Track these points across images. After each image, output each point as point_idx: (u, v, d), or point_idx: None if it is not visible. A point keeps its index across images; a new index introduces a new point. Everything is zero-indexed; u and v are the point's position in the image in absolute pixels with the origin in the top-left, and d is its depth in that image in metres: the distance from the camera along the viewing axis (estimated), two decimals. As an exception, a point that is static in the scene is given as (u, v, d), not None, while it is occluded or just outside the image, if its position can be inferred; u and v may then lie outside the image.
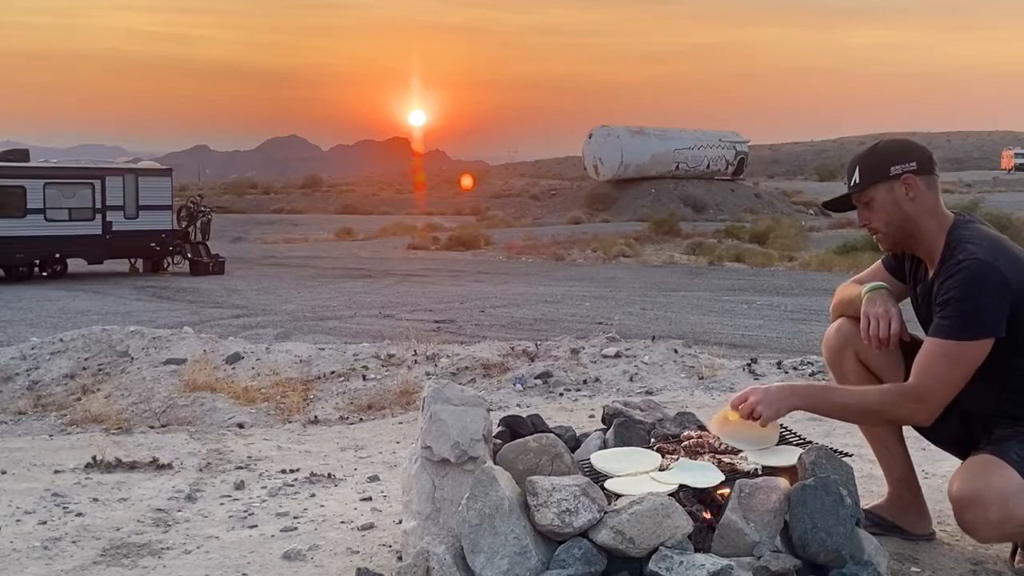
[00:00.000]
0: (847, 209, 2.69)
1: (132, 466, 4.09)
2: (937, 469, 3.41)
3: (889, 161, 2.53)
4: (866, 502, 2.77)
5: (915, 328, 2.66)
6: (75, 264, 20.64)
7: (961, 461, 2.59)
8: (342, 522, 3.18)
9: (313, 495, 3.59)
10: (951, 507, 2.45)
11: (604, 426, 3.00)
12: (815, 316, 12.26)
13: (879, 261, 2.84)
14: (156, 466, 4.11)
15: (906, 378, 2.50)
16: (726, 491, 2.38)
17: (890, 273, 2.77)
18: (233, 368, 7.26)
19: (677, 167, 45.19)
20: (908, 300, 2.74)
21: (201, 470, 4.10)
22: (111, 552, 2.93)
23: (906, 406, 2.43)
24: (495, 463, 2.48)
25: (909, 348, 2.58)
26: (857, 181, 2.56)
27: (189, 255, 21.45)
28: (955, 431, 2.62)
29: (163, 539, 3.05)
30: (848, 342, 2.75)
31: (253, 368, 7.24)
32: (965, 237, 2.46)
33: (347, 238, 33.20)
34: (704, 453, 2.62)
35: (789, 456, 2.52)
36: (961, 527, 2.43)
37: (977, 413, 2.53)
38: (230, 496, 3.61)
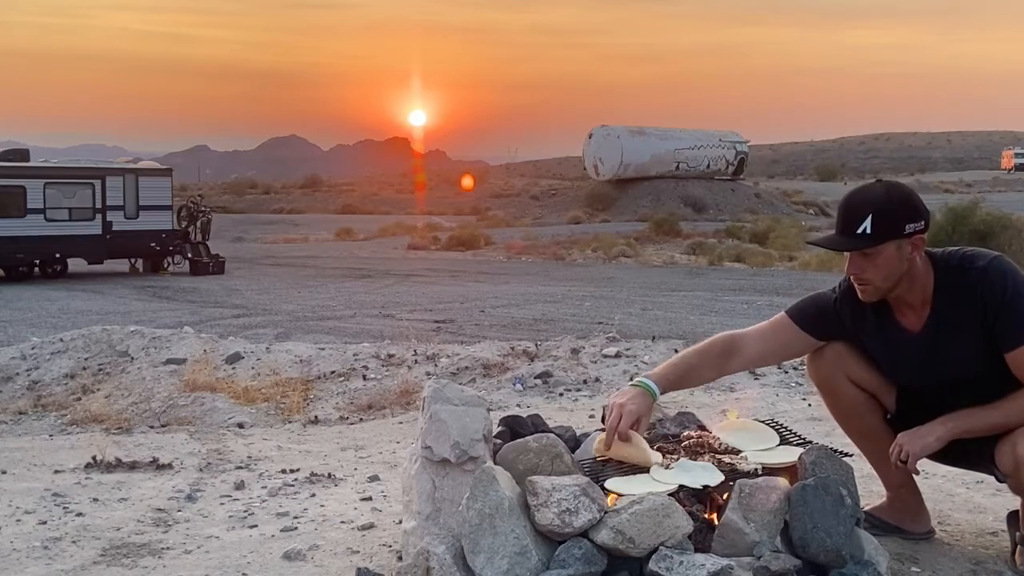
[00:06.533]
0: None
1: (132, 466, 4.10)
2: (937, 469, 3.40)
3: (904, 218, 2.41)
4: (866, 502, 2.77)
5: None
6: (75, 264, 20.62)
7: (955, 467, 2.76)
8: (342, 522, 3.18)
9: (313, 495, 3.59)
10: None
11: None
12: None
13: (783, 315, 2.71)
14: (156, 466, 4.12)
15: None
16: (726, 491, 2.38)
17: (803, 330, 2.67)
18: (233, 368, 7.25)
19: (677, 167, 45.17)
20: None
21: (201, 470, 4.10)
22: (111, 552, 2.93)
23: None
24: (495, 463, 2.48)
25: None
26: (868, 232, 2.39)
27: (189, 255, 21.42)
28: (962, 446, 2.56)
29: (163, 539, 3.05)
30: (838, 367, 2.71)
31: (253, 368, 7.24)
32: (953, 256, 2.48)
33: (347, 238, 33.18)
34: (704, 453, 2.63)
35: (789, 455, 2.53)
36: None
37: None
38: (230, 496, 3.61)
